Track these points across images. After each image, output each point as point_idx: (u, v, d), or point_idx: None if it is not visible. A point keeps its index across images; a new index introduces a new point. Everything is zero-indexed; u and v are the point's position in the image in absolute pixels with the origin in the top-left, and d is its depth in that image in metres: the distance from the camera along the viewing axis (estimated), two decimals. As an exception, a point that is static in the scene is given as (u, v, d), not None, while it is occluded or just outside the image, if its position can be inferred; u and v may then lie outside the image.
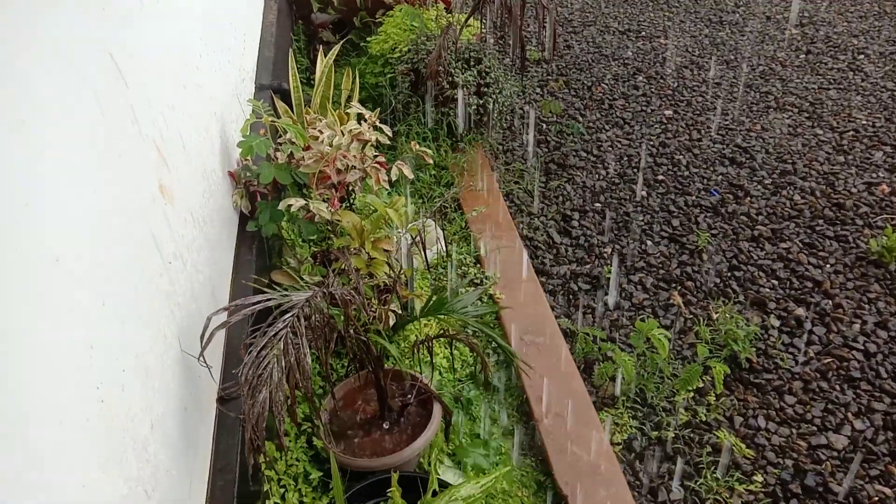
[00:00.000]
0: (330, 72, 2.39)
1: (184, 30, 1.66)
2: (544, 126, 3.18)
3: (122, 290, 1.00)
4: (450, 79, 2.70)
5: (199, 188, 1.54)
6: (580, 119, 3.24)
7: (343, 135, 1.80)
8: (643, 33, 4.05)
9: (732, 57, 3.75)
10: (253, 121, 1.85)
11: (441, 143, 2.81)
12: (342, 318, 1.34)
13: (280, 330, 1.19)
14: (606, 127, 3.18)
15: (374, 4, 3.52)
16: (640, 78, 3.57)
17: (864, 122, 3.15)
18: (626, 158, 2.96)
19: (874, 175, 2.80)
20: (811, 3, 4.41)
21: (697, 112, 3.27)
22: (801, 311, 2.19)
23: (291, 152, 1.82)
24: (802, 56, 3.75)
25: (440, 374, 1.94)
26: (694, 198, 2.72)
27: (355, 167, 1.82)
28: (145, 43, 1.31)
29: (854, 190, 2.72)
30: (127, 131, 1.13)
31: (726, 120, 3.20)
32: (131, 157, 1.13)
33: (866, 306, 2.20)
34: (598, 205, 2.70)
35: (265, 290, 1.36)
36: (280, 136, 1.91)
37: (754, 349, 2.04)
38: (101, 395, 0.87)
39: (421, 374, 1.66)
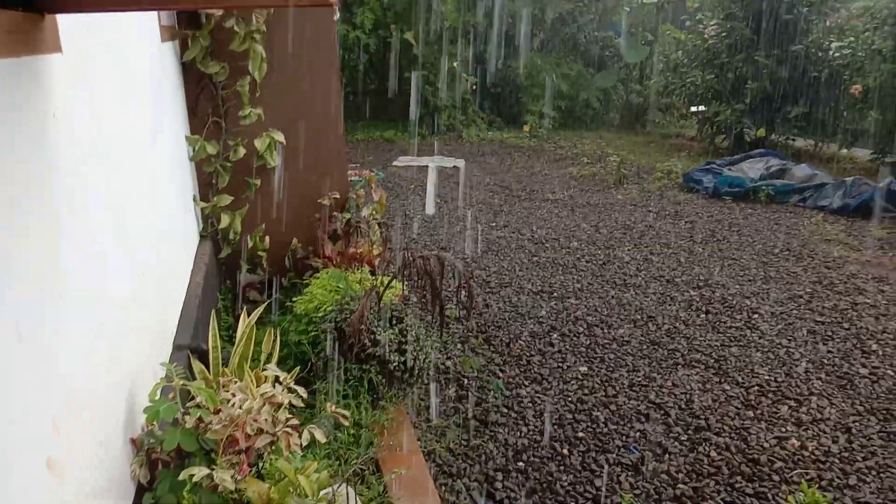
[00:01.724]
0: (251, 331, 2.43)
1: (104, 310, 1.68)
2: (465, 382, 3.22)
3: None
4: (372, 336, 2.77)
5: (95, 460, 1.45)
6: (500, 375, 3.31)
7: (255, 398, 1.78)
8: (555, 294, 4.34)
9: (639, 316, 4.02)
10: (164, 384, 1.81)
11: (361, 399, 2.78)
12: None
13: None
14: (525, 383, 3.25)
15: (303, 267, 3.70)
16: (555, 335, 3.75)
17: (767, 377, 3.33)
18: (546, 415, 2.98)
19: (783, 429, 2.90)
20: (705, 267, 4.89)
21: (611, 368, 3.40)
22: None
23: (200, 416, 1.77)
24: (703, 315, 4.06)
25: None
26: (615, 455, 2.72)
27: (266, 431, 1.77)
28: (63, 318, 1.32)
29: (766, 445, 2.79)
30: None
31: (638, 376, 3.33)
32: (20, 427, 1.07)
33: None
34: (521, 464, 2.66)
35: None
36: (191, 399, 1.87)
37: None
38: None
39: None
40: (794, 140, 9.38)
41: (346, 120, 10.75)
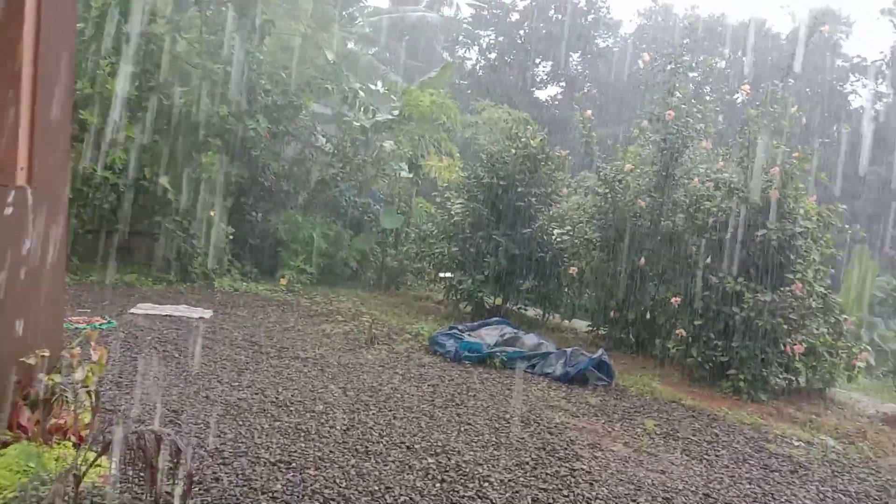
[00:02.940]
0: None
1: None
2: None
3: None
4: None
5: None
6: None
7: None
8: (294, 464, 4.14)
9: (377, 487, 3.95)
10: None
11: None
12: None
13: None
14: (249, 572, 2.96)
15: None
16: (289, 512, 3.52)
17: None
18: None
19: None
20: (443, 433, 5.03)
21: (344, 548, 3.24)
22: None
23: None
24: (438, 485, 4.10)
25: None
26: None
27: None
28: None
29: None
30: None
31: (372, 556, 3.21)
32: None
33: None
34: None
35: None
36: None
37: None
38: None
39: None
40: (525, 310, 10.43)
41: (85, 260, 9.83)
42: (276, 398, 5.41)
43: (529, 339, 7.63)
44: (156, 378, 5.62)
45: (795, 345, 6.77)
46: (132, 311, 8.06)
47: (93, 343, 3.72)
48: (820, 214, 7.52)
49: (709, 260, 7.61)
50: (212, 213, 10.17)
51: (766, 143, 7.51)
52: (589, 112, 9.33)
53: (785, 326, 6.78)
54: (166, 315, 8.05)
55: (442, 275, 10.83)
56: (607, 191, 8.77)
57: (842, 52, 34.90)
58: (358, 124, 12.52)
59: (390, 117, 12.79)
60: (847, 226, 7.92)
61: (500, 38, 36.72)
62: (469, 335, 7.70)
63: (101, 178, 9.23)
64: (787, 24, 36.40)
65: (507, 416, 5.61)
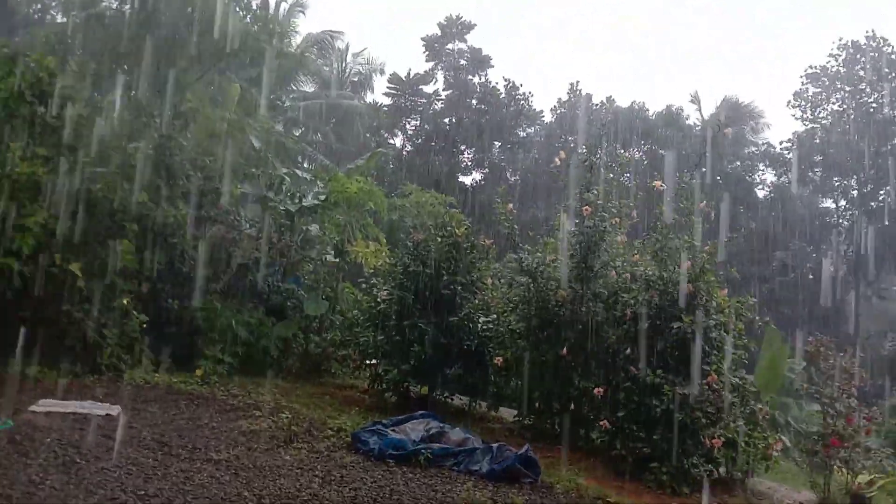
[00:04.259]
0: None
1: None
2: None
3: None
4: None
5: None
6: None
7: None
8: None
9: None
10: None
11: None
12: None
13: None
14: None
15: None
16: None
17: None
18: None
19: None
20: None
21: None
22: None
23: None
24: None
25: None
26: None
27: None
28: None
29: None
30: None
31: None
32: None
33: None
34: None
35: None
36: None
37: None
38: None
39: None
40: (451, 399, 10.30)
41: (-17, 352, 9.11)
42: (185, 510, 5.07)
43: (455, 435, 7.49)
44: (52, 489, 5.17)
45: (714, 438, 6.91)
46: (32, 408, 7.50)
47: (-23, 464, 3.39)
48: (732, 307, 7.85)
49: (628, 351, 7.77)
50: (125, 302, 9.73)
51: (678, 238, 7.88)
52: (510, 206, 9.60)
53: (703, 420, 6.92)
54: (70, 413, 7.53)
55: (369, 361, 10.59)
56: (530, 280, 8.93)
57: (750, 140, 37.61)
58: (283, 209, 12.43)
59: (317, 202, 12.78)
60: (757, 317, 8.29)
61: (426, 126, 37.84)
62: (393, 430, 7.50)
63: (4, 264, 8.72)
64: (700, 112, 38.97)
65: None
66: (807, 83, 38.17)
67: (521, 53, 63.25)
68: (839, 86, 37.39)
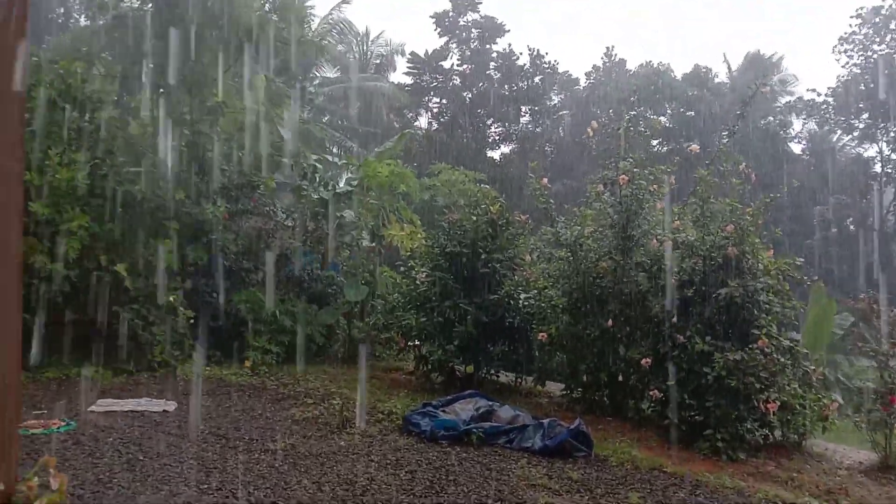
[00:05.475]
0: None
1: None
2: None
3: None
4: None
5: None
6: None
7: None
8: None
9: None
10: None
11: None
12: None
13: None
14: None
15: None
16: None
17: None
18: None
19: None
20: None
21: None
22: None
23: None
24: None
25: None
26: None
27: None
28: None
29: None
30: None
31: None
32: None
33: None
34: None
35: None
36: None
37: None
38: None
39: None
40: (497, 377, 10.32)
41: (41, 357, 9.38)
42: (249, 500, 5.17)
43: (505, 412, 7.50)
44: (120, 487, 5.32)
45: (768, 402, 6.80)
46: (91, 408, 7.72)
47: (51, 469, 3.49)
48: (779, 269, 7.68)
49: (675, 319, 7.67)
50: (171, 299, 9.91)
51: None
52: (545, 180, 9.49)
53: (756, 385, 6.81)
54: (128, 411, 7.73)
55: (412, 343, 10.63)
56: (569, 254, 8.84)
57: (780, 92, 36.47)
58: (317, 196, 12.49)
59: (349, 188, 12.81)
60: (806, 276, 8.10)
61: (447, 102, 37.47)
62: (443, 411, 7.54)
63: (52, 269, 8.95)
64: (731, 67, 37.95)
65: (490, 500, 5.45)
66: (858, 24, 36.37)
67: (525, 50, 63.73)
68: (893, 27, 35.56)
